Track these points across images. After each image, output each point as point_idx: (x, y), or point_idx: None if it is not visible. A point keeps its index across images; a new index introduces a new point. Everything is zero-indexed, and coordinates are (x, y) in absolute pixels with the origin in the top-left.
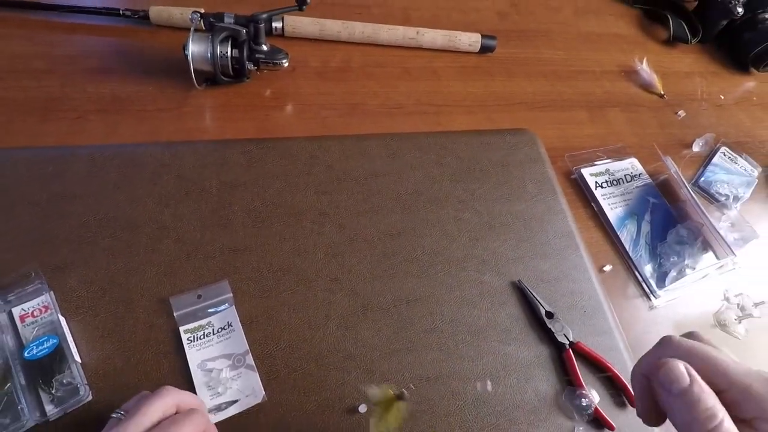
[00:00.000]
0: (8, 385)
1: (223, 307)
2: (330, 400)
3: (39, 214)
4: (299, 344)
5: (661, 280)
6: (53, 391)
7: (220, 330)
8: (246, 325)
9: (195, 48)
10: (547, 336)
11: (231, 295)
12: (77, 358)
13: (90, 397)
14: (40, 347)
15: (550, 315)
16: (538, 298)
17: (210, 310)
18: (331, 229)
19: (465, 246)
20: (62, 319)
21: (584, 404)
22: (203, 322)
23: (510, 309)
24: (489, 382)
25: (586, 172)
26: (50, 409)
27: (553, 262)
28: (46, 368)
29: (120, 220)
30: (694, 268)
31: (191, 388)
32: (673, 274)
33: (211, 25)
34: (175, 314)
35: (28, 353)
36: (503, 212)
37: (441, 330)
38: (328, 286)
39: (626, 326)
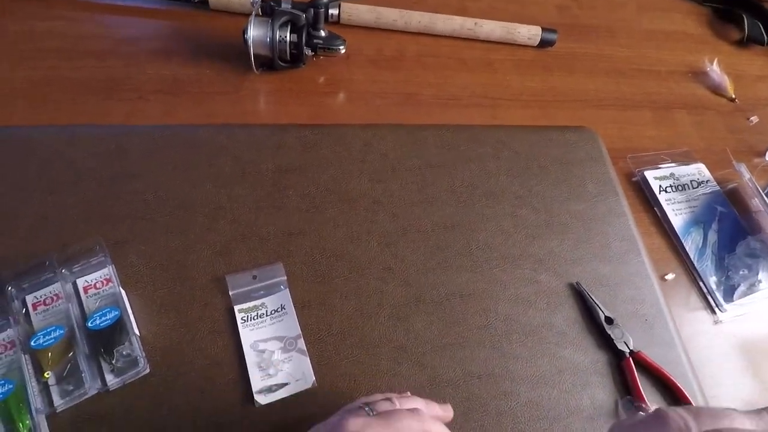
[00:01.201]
0: (72, 353)
1: (277, 289)
2: (380, 391)
3: (102, 190)
4: (351, 332)
5: (728, 294)
6: (114, 362)
7: (273, 312)
8: (299, 308)
9: (255, 32)
10: (605, 342)
11: (285, 278)
12: (136, 330)
13: (147, 370)
14: (103, 318)
15: (609, 321)
16: (597, 302)
17: (264, 292)
18: (384, 218)
19: (521, 243)
20: (123, 293)
21: None
22: (257, 302)
23: (567, 311)
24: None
25: (649, 175)
26: (110, 378)
27: (613, 266)
28: (108, 339)
29: (178, 199)
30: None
31: (243, 367)
32: (742, 288)
33: (271, 10)
34: (230, 293)
35: (91, 323)
36: (562, 211)
37: (494, 327)
38: (381, 275)
39: (687, 339)
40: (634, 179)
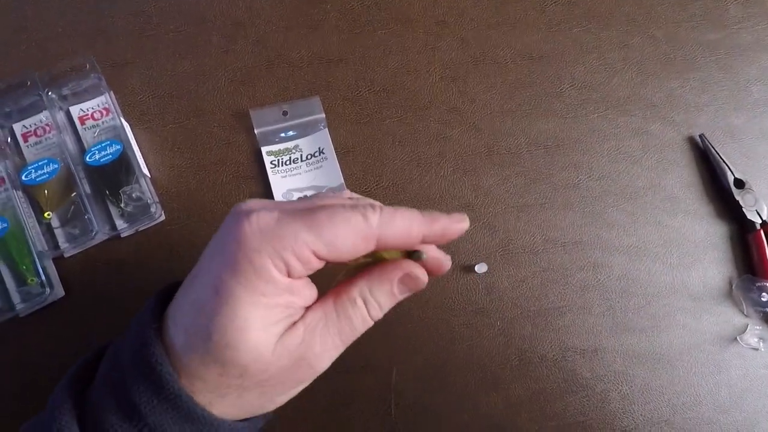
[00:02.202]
0: (74, 194)
1: (314, 129)
2: None
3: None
4: (405, 184)
5: None
6: (122, 205)
7: (309, 156)
8: (341, 154)
9: None
10: (729, 210)
11: (323, 115)
12: (146, 171)
13: (163, 218)
14: (103, 153)
15: (740, 184)
16: (725, 161)
17: (297, 132)
18: (450, 44)
19: (630, 83)
20: (126, 125)
21: (766, 299)
22: (290, 145)
23: (682, 171)
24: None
25: None
26: (120, 224)
27: (751, 117)
28: (112, 178)
29: (185, 12)
30: None
31: None
32: None
33: None
34: (255, 131)
35: (89, 158)
36: (690, 41)
37: (586, 187)
38: (444, 117)
39: None
40: None
